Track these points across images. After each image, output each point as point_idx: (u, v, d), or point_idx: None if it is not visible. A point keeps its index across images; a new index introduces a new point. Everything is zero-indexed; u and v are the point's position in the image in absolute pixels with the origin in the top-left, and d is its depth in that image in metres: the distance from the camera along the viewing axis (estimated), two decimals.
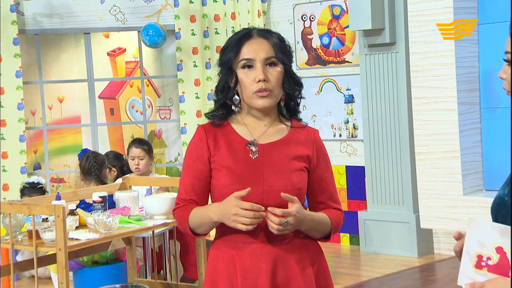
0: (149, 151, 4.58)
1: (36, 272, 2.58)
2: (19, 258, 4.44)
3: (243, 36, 2.04)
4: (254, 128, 2.04)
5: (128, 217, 2.86)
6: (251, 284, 1.90)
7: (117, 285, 2.98)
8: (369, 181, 5.34)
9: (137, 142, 4.59)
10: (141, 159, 4.52)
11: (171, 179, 3.16)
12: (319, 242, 2.06)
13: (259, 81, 1.98)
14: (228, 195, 1.93)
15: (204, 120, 5.70)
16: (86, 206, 3.00)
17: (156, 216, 2.92)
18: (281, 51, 2.03)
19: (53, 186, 6.09)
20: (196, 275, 4.31)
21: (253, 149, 2.00)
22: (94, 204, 2.85)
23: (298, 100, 2.09)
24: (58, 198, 2.78)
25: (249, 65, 2.01)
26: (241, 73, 2.02)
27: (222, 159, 1.99)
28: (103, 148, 6.04)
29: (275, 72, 2.02)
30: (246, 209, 1.87)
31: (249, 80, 2.00)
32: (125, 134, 6.42)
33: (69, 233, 2.56)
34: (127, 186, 3.16)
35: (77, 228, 2.75)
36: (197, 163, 2.01)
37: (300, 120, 2.11)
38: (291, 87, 2.05)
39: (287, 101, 2.08)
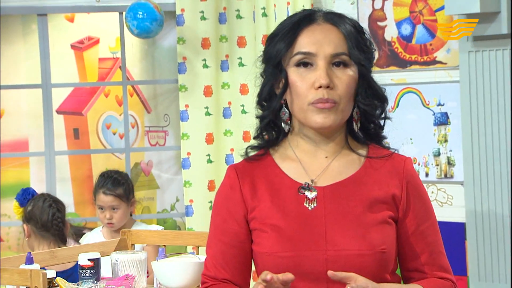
0: (126, 195, 4.63)
1: None
2: None
3: (301, 20, 2.08)
4: (309, 163, 2.09)
5: None
6: None
7: None
8: (472, 245, 5.34)
9: (108, 183, 4.63)
10: (115, 210, 4.57)
11: (194, 234, 3.23)
12: None
13: (320, 87, 2.02)
14: (275, 268, 1.97)
15: (220, 149, 5.79)
16: (62, 273, 3.04)
17: None
18: (357, 46, 2.08)
19: None
20: None
21: (310, 195, 2.05)
22: (81, 271, 2.92)
23: (381, 121, 2.14)
24: (30, 260, 2.85)
25: (306, 63, 2.05)
26: (294, 73, 2.06)
27: (264, 214, 2.04)
28: (63, 188, 6.10)
29: (345, 77, 2.06)
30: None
31: (305, 85, 2.04)
32: (96, 168, 6.46)
33: None
34: (128, 244, 3.23)
35: None
36: (229, 223, 2.08)
37: (384, 145, 2.16)
38: (368, 101, 2.09)
39: (363, 121, 2.13)
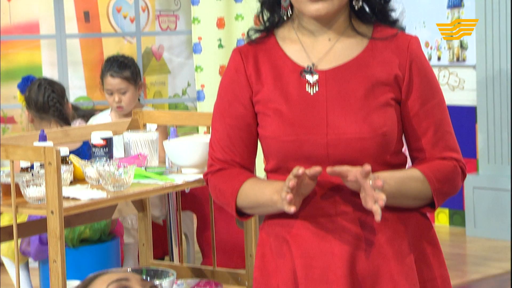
0: (133, 78, 4.66)
1: (16, 245, 2.72)
2: None
3: None
4: (312, 46, 2.06)
5: (145, 169, 2.99)
6: (319, 277, 1.97)
7: (128, 269, 3.14)
8: (482, 128, 5.39)
9: (114, 67, 4.66)
10: (123, 93, 4.61)
11: (205, 115, 3.26)
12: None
13: None
14: (277, 151, 2.00)
15: (231, 34, 5.77)
16: (78, 151, 3.09)
17: (186, 168, 3.04)
18: None
19: None
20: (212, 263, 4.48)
21: (311, 80, 2.02)
22: (93, 150, 2.97)
23: None
24: (43, 138, 2.89)
25: None
26: None
27: (267, 97, 2.04)
28: (75, 72, 6.13)
29: None
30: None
31: None
32: (108, 52, 6.43)
33: (63, 190, 2.63)
34: (139, 124, 3.27)
35: (71, 183, 2.87)
36: (235, 106, 2.07)
37: (392, 22, 2.07)
38: None
39: None
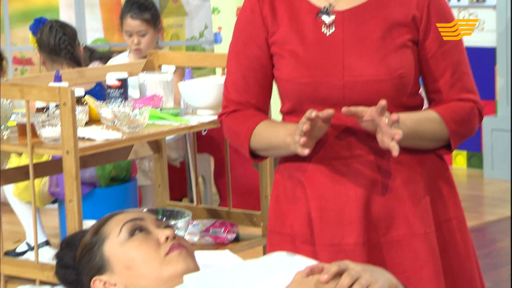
0: (153, 20, 4.66)
1: (32, 185, 2.75)
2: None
3: None
4: None
5: (160, 110, 3.00)
6: (334, 220, 1.98)
7: (144, 209, 3.16)
8: (501, 70, 5.36)
9: (134, 8, 4.66)
10: (142, 35, 4.62)
11: (221, 56, 3.25)
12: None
13: None
14: (293, 94, 1.99)
15: None
16: (91, 92, 3.10)
17: (201, 109, 3.05)
18: None
19: (16, 69, 6.24)
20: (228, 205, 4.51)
21: (327, 20, 2.00)
22: (109, 91, 2.98)
23: None
24: (58, 78, 2.90)
25: None
26: None
27: (283, 39, 2.02)
28: (92, 14, 6.12)
29: None
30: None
31: None
32: None
33: (78, 130, 2.67)
34: (155, 65, 3.27)
35: (86, 124, 2.88)
36: (250, 46, 2.05)
37: None
38: None
39: None
